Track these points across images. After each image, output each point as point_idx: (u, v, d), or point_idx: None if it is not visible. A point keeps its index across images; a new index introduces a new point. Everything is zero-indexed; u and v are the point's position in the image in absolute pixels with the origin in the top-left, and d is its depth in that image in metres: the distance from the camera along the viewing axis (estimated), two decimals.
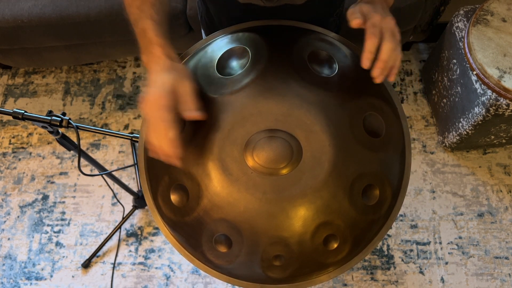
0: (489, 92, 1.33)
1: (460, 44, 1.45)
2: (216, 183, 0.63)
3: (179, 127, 0.62)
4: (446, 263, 1.56)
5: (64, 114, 1.00)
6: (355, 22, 0.64)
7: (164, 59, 0.64)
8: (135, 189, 1.72)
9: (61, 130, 1.07)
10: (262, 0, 0.77)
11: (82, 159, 1.18)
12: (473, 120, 1.44)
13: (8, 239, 1.69)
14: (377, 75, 0.64)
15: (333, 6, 0.91)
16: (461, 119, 1.52)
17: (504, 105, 1.31)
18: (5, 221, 1.73)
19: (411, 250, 1.58)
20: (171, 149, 0.60)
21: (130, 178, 1.77)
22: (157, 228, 1.67)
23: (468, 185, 1.68)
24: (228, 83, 0.67)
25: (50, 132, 1.05)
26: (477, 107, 1.39)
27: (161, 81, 0.61)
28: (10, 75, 2.06)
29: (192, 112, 0.61)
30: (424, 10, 1.64)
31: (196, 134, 0.65)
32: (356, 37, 0.76)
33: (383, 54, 0.63)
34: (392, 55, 0.63)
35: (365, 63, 0.63)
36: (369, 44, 0.63)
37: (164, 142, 0.60)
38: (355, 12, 0.66)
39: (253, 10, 0.79)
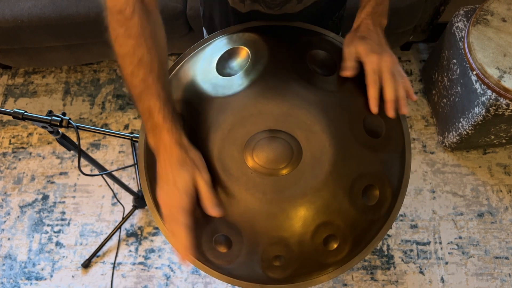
0: (489, 92, 1.33)
1: (460, 44, 1.45)
2: (216, 184, 0.63)
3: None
4: (446, 263, 1.56)
5: (64, 114, 1.00)
6: (344, 73, 0.66)
7: (176, 149, 0.59)
8: (135, 189, 1.72)
9: (61, 130, 1.07)
10: (263, 7, 0.77)
11: (82, 159, 1.18)
12: (473, 120, 1.44)
13: (8, 239, 1.69)
14: (391, 114, 0.66)
15: (332, 11, 0.91)
16: (461, 119, 1.52)
17: (504, 105, 1.31)
18: (5, 221, 1.73)
19: (411, 250, 1.58)
20: (188, 250, 0.59)
21: (130, 178, 1.77)
22: (157, 228, 1.67)
23: (468, 185, 1.68)
24: (228, 83, 0.67)
25: (50, 132, 1.05)
26: (477, 107, 1.39)
27: (180, 180, 0.58)
28: (10, 75, 2.06)
29: (213, 209, 0.60)
30: (424, 10, 1.64)
31: (196, 135, 0.65)
32: None
33: (387, 95, 0.65)
34: (396, 92, 0.64)
35: (374, 109, 0.65)
36: (372, 92, 0.65)
37: (182, 243, 0.59)
38: (350, 58, 0.66)
39: (254, 18, 0.80)
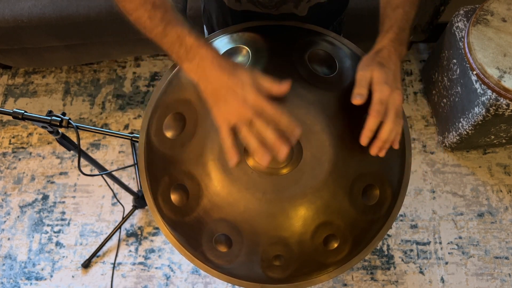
0: (489, 92, 1.33)
1: (460, 44, 1.45)
2: (216, 183, 0.63)
3: None
4: (446, 263, 1.56)
5: (64, 114, 1.00)
6: (355, 101, 0.60)
7: (221, 59, 0.58)
8: (135, 189, 1.72)
9: (61, 130, 1.07)
10: (260, 8, 0.77)
11: (82, 159, 1.18)
12: (473, 120, 1.44)
13: (8, 239, 1.69)
14: (374, 152, 0.62)
15: (333, 17, 0.91)
16: (461, 119, 1.52)
17: (504, 105, 1.31)
18: (5, 221, 1.73)
19: (411, 250, 1.58)
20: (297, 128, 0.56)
21: (130, 178, 1.77)
22: (157, 228, 1.67)
23: (468, 185, 1.68)
24: None
25: (50, 132, 1.05)
26: (477, 107, 1.39)
27: (242, 81, 0.56)
28: (10, 75, 2.06)
29: (282, 86, 0.58)
30: (424, 10, 1.64)
31: (196, 134, 0.66)
32: (356, 37, 0.77)
33: (382, 134, 0.61)
34: (391, 134, 0.61)
35: (364, 140, 0.61)
36: (371, 123, 0.60)
37: (289, 122, 0.56)
38: (364, 85, 0.61)
39: (252, 19, 0.80)
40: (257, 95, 0.55)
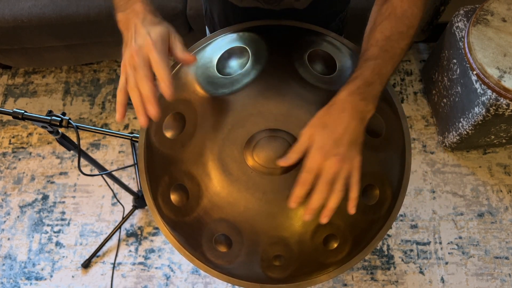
0: (489, 92, 1.33)
1: (460, 44, 1.45)
2: (216, 183, 0.63)
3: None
4: (446, 263, 1.56)
5: (64, 114, 1.00)
6: (280, 163, 0.57)
7: (149, 15, 0.59)
8: (135, 189, 1.72)
9: (61, 130, 1.07)
10: (262, 3, 0.77)
11: (82, 159, 1.18)
12: (473, 120, 1.44)
13: (8, 239, 1.69)
14: (307, 219, 0.57)
15: (336, 12, 0.90)
16: (461, 119, 1.52)
17: (504, 105, 1.31)
18: (5, 221, 1.73)
19: (411, 250, 1.58)
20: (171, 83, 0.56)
21: (130, 178, 1.77)
22: (157, 228, 1.67)
23: (468, 185, 1.68)
24: (228, 82, 0.67)
25: (50, 132, 1.05)
26: (477, 107, 1.39)
27: (153, 31, 0.57)
28: (10, 75, 2.06)
29: (189, 55, 0.58)
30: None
31: (196, 134, 0.65)
32: (356, 38, 0.77)
33: (310, 203, 0.56)
34: (321, 203, 0.56)
35: (292, 205, 0.57)
36: (297, 191, 0.56)
37: (166, 74, 0.56)
38: (298, 150, 0.56)
39: (254, 15, 0.79)
40: (157, 44, 0.56)
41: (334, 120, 0.57)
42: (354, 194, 0.57)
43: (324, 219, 0.56)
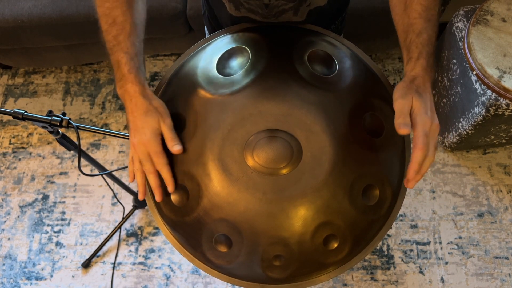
0: (489, 92, 1.33)
1: (460, 44, 1.45)
2: (216, 183, 0.63)
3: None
4: (446, 263, 1.56)
5: (64, 114, 1.00)
6: (402, 131, 0.59)
7: (140, 99, 0.66)
8: (135, 189, 1.72)
9: (61, 130, 1.07)
10: (260, 17, 0.78)
11: (82, 159, 1.18)
12: (473, 120, 1.44)
13: (8, 239, 1.69)
14: (411, 186, 0.63)
15: (334, 17, 0.90)
16: (461, 119, 1.52)
17: (504, 105, 1.31)
18: (5, 221, 1.73)
19: (411, 250, 1.58)
20: (173, 183, 0.66)
21: None
22: (157, 228, 1.67)
23: (468, 185, 1.68)
24: (228, 83, 0.67)
25: (50, 132, 1.05)
26: (477, 107, 1.39)
27: (147, 127, 0.65)
28: (10, 75, 2.06)
29: (174, 148, 0.65)
30: None
31: (196, 134, 0.66)
32: (356, 37, 0.77)
33: (423, 168, 0.61)
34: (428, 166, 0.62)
35: (411, 174, 0.61)
36: (419, 156, 0.59)
37: (169, 177, 0.66)
38: (405, 114, 0.60)
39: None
40: (152, 142, 0.65)
41: (423, 89, 0.63)
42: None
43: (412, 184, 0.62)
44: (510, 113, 1.34)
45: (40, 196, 1.76)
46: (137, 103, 0.66)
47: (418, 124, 0.60)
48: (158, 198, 0.67)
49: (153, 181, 0.67)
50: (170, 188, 0.66)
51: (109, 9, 0.68)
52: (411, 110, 0.61)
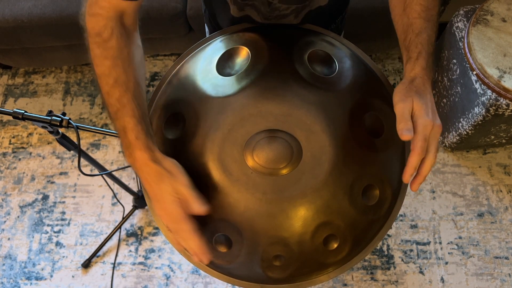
0: (489, 92, 1.33)
1: (460, 44, 1.45)
2: (216, 183, 0.63)
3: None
4: (446, 263, 1.56)
5: (64, 114, 1.00)
6: (405, 137, 0.58)
7: (150, 165, 0.60)
8: (135, 189, 1.72)
9: (61, 130, 1.07)
10: (261, 18, 0.78)
11: (82, 159, 1.18)
12: (473, 120, 1.44)
13: (8, 239, 1.69)
14: (415, 188, 0.61)
15: (335, 16, 0.90)
16: (461, 119, 1.52)
17: (504, 105, 1.31)
18: (5, 221, 1.73)
19: (411, 250, 1.58)
20: (205, 253, 0.60)
21: (130, 178, 1.77)
22: (157, 228, 1.67)
23: (468, 185, 1.68)
24: (228, 83, 0.67)
25: (50, 132, 1.05)
26: (477, 107, 1.39)
27: (164, 194, 0.60)
28: (10, 75, 2.06)
29: (199, 208, 0.60)
30: None
31: (196, 134, 0.66)
32: (356, 37, 0.77)
33: (424, 170, 0.60)
34: (430, 167, 0.61)
35: (407, 178, 0.60)
36: (415, 160, 0.58)
37: (197, 246, 0.60)
38: (407, 118, 0.59)
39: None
40: (176, 210, 0.59)
41: (423, 90, 0.62)
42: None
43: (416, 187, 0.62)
44: (510, 113, 1.34)
45: (40, 196, 1.76)
46: (149, 171, 0.60)
47: (418, 128, 0.59)
48: (205, 261, 0.61)
49: (189, 249, 0.61)
50: (204, 258, 0.60)
51: (109, 68, 0.62)
52: (412, 113, 0.60)
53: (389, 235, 1.61)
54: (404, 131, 0.58)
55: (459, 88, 1.51)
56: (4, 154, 1.87)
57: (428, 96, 0.62)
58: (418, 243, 1.59)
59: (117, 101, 0.62)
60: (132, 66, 0.64)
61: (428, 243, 1.59)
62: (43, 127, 1.01)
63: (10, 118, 1.03)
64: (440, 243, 1.59)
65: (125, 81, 0.62)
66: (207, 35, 0.96)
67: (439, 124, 0.60)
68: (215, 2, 0.88)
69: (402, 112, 0.59)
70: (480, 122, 1.42)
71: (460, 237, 1.59)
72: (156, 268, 1.60)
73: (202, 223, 0.65)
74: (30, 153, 1.86)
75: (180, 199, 0.60)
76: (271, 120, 0.64)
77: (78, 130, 0.99)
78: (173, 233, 0.61)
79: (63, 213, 1.72)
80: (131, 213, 1.66)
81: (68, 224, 1.70)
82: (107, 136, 1.86)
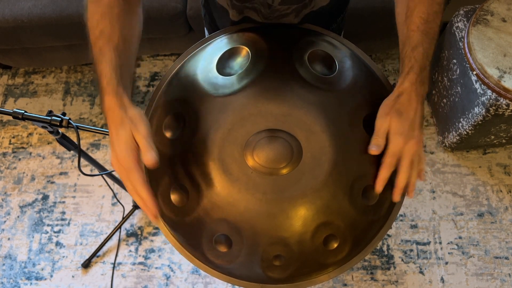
0: (489, 92, 1.33)
1: (460, 44, 1.45)
2: (216, 183, 0.63)
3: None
4: (446, 263, 1.56)
5: (64, 114, 1.00)
6: (372, 152, 0.63)
7: (116, 110, 0.61)
8: None
9: (61, 130, 1.07)
10: (261, 18, 0.78)
11: (82, 159, 1.18)
12: (473, 120, 1.44)
13: (8, 239, 1.69)
14: (396, 199, 0.66)
15: (335, 16, 0.90)
16: (461, 119, 1.52)
17: (504, 105, 1.31)
18: (5, 221, 1.73)
19: (411, 250, 1.58)
20: (152, 205, 0.60)
21: None
22: (157, 228, 1.67)
23: (468, 185, 1.68)
24: (228, 83, 0.67)
25: (50, 132, 1.05)
26: (477, 107, 1.39)
27: (120, 138, 0.60)
28: (10, 75, 2.06)
29: (148, 158, 0.59)
30: None
31: (196, 134, 0.66)
32: (356, 37, 0.77)
33: (399, 182, 0.64)
34: (409, 179, 0.64)
35: (378, 189, 0.64)
36: (383, 174, 0.63)
37: (145, 197, 0.60)
38: (382, 135, 0.63)
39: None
40: (126, 157, 0.59)
41: (406, 107, 0.64)
42: (422, 165, 0.66)
43: (411, 194, 0.65)
44: (510, 113, 1.34)
45: (40, 196, 1.76)
46: (113, 117, 0.61)
47: (389, 144, 0.63)
48: (151, 218, 0.61)
49: (138, 202, 0.61)
50: (150, 212, 0.60)
51: (97, 21, 0.66)
52: (388, 130, 0.63)
53: (389, 235, 1.61)
54: (372, 147, 0.63)
55: (459, 88, 1.51)
56: (4, 154, 1.87)
57: (411, 113, 0.64)
58: (418, 243, 1.59)
59: (99, 49, 0.65)
60: (120, 23, 0.66)
61: (428, 243, 1.59)
62: (43, 127, 1.01)
63: (10, 118, 1.03)
64: (440, 243, 1.59)
65: (110, 34, 0.65)
66: (207, 36, 0.96)
67: (416, 140, 0.63)
68: (214, 8, 0.88)
69: (379, 128, 0.64)
70: (480, 122, 1.42)
71: (460, 237, 1.59)
72: (156, 268, 1.60)
73: (202, 223, 0.66)
74: (30, 153, 1.86)
75: (134, 148, 0.60)
76: (271, 120, 0.64)
77: (78, 130, 0.99)
78: (123, 182, 0.62)
79: (63, 213, 1.72)
80: (131, 213, 1.66)
81: (68, 224, 1.70)
82: (107, 136, 1.85)
